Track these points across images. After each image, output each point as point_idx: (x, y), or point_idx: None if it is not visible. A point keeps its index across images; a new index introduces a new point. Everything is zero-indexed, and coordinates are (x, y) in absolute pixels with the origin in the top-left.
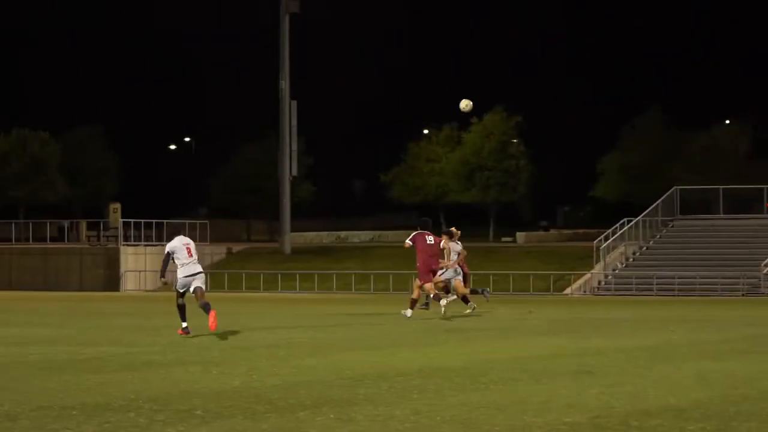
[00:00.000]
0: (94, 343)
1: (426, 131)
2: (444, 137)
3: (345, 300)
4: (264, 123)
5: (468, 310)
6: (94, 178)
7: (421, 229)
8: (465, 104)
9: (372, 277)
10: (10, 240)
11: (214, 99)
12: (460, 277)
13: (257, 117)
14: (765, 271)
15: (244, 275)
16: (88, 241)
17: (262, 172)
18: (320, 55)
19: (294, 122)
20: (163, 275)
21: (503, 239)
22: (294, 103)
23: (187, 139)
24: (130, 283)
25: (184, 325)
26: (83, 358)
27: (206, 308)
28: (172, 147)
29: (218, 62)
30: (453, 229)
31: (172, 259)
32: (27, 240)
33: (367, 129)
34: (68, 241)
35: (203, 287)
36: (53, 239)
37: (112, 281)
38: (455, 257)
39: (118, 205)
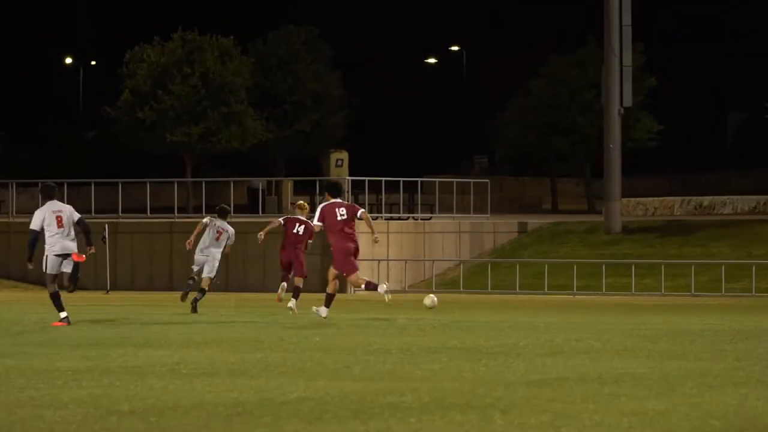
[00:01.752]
0: (304, 374)
1: None
2: None
3: (706, 306)
4: (579, 24)
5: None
6: (305, 111)
7: (331, 197)
8: (430, 301)
9: (753, 268)
10: (171, 210)
11: None
12: (213, 272)
13: (567, 14)
14: None
15: (546, 267)
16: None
17: (575, 101)
18: None
19: (626, 20)
20: (30, 258)
21: None
22: None
23: (455, 48)
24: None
25: (63, 315)
26: (288, 398)
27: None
28: (431, 61)
29: None
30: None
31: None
32: (198, 210)
33: (743, 32)
34: (264, 211)
35: (72, 273)
36: (240, 209)
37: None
38: (217, 243)
39: (344, 155)
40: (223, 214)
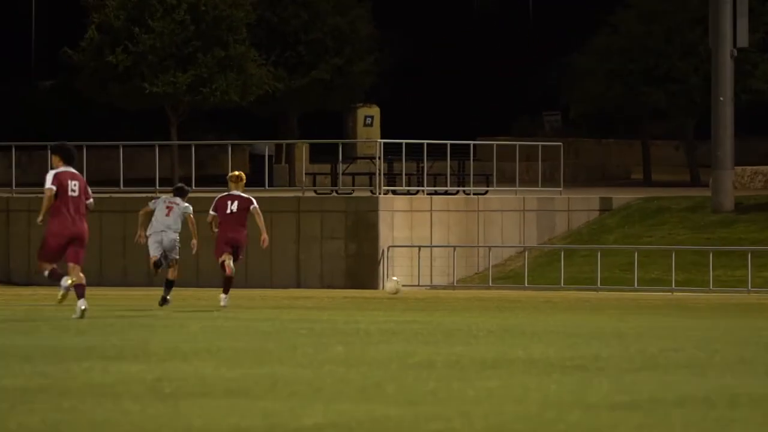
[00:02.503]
0: (323, 394)
1: None
2: None
3: None
4: None
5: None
6: (324, 53)
7: (63, 162)
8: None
9: None
10: (151, 182)
11: None
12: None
13: None
14: None
15: (636, 256)
16: (313, 183)
17: (674, 41)
18: None
19: None
20: None
21: None
22: None
23: None
24: (399, 270)
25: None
26: (302, 425)
27: None
28: None
29: None
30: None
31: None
32: (185, 182)
33: None
34: (271, 184)
35: None
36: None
37: (362, 266)
38: (170, 219)
39: (374, 111)
40: (181, 194)
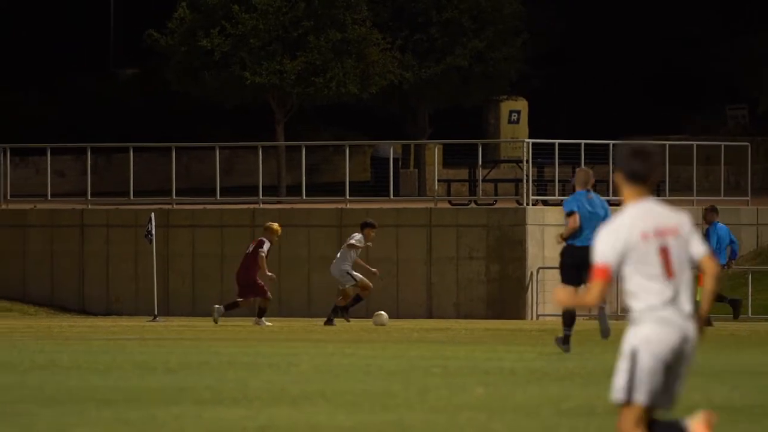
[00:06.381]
0: None
1: None
2: None
3: None
4: None
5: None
6: (460, 36)
7: None
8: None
9: None
10: (253, 190)
11: None
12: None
13: None
14: None
15: None
16: (447, 191)
17: None
18: None
19: None
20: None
21: None
22: None
23: None
24: (551, 297)
25: None
26: None
27: None
28: None
29: None
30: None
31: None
32: (294, 190)
33: None
34: (397, 193)
35: None
36: (360, 188)
37: (506, 292)
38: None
39: (521, 105)
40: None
